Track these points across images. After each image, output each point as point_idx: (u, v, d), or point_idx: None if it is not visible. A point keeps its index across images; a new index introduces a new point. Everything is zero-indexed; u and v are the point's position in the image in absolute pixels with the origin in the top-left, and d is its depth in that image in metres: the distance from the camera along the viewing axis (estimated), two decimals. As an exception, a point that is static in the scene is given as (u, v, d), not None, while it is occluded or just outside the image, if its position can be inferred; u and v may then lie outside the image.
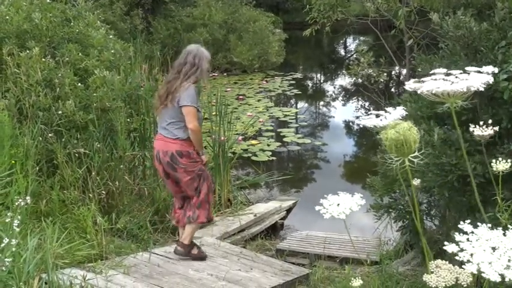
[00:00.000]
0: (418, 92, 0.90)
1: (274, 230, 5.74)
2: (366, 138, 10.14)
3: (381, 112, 1.10)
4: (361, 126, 10.85)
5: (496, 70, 0.98)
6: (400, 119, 1.03)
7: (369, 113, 1.13)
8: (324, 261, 4.49)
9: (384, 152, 3.62)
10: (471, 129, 1.07)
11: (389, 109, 1.10)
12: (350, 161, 8.91)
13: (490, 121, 1.37)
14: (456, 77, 0.94)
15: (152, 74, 7.37)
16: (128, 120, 4.82)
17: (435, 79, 0.93)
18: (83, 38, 4.95)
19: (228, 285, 3.51)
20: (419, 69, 3.46)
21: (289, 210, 6.27)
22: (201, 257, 3.96)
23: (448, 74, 0.95)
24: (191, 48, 3.72)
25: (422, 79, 0.93)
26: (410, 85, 0.96)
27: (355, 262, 4.40)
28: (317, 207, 1.05)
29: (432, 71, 0.97)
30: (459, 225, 0.89)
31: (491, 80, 0.92)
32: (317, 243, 4.93)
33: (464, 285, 0.95)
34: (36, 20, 4.67)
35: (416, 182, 1.11)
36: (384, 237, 4.59)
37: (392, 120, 1.03)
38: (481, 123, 1.06)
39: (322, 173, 8.12)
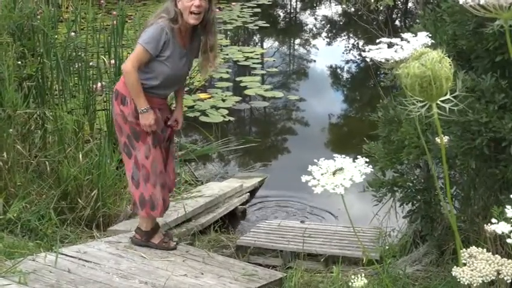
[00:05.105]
0: (460, 1, 0.90)
1: (233, 220, 5.78)
2: (361, 90, 10.26)
3: (395, 40, 1.09)
4: (354, 73, 10.95)
5: None
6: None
7: (378, 41, 1.12)
8: (303, 261, 4.56)
9: (385, 108, 3.66)
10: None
11: (406, 35, 1.09)
12: (337, 123, 9.01)
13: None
14: (514, -19, 0.93)
15: (53, -4, 7.16)
16: (19, 63, 4.69)
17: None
18: None
19: (169, 297, 3.53)
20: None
21: (253, 192, 6.31)
22: (167, 248, 4.30)
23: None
24: None
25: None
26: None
27: (345, 262, 4.49)
28: (304, 178, 1.04)
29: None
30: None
31: None
32: (293, 237, 5.00)
33: (508, 280, 0.97)
34: None
35: (444, 139, 1.11)
36: (386, 226, 4.69)
37: (414, 50, 1.02)
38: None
39: (298, 140, 8.18)
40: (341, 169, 1.06)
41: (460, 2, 0.89)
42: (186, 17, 3.84)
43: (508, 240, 0.88)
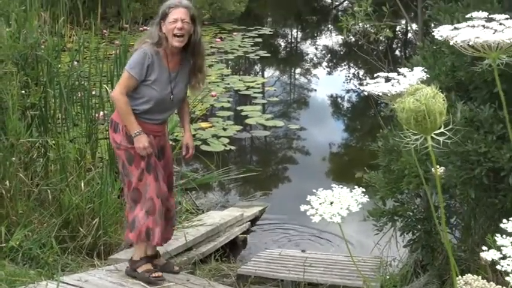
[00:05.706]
0: (451, 42, 0.94)
1: (234, 249, 5.78)
2: (361, 119, 10.31)
3: (392, 75, 1.13)
4: (354, 102, 11.01)
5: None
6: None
7: (376, 75, 1.16)
8: (304, 290, 4.56)
9: (385, 138, 3.70)
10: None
11: (403, 70, 1.13)
12: (338, 152, 9.04)
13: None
14: (501, 23, 0.98)
15: (56, 27, 7.24)
16: (23, 92, 4.73)
17: (473, 26, 0.96)
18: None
19: (170, 326, 3.53)
20: (435, 23, 3.54)
21: (254, 221, 6.31)
22: (148, 279, 4.09)
23: (489, 20, 0.99)
24: None
25: (456, 25, 0.97)
26: (441, 33, 0.99)
27: (346, 291, 4.49)
28: (303, 207, 1.08)
29: (469, 15, 1.01)
30: (502, 224, 0.93)
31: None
32: (294, 266, 5.00)
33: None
34: None
35: (440, 170, 1.15)
36: (387, 255, 4.69)
37: (409, 85, 1.06)
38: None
39: (299, 169, 8.20)
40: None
41: (451, 43, 0.93)
42: (171, 40, 3.88)
43: (498, 267, 0.91)
